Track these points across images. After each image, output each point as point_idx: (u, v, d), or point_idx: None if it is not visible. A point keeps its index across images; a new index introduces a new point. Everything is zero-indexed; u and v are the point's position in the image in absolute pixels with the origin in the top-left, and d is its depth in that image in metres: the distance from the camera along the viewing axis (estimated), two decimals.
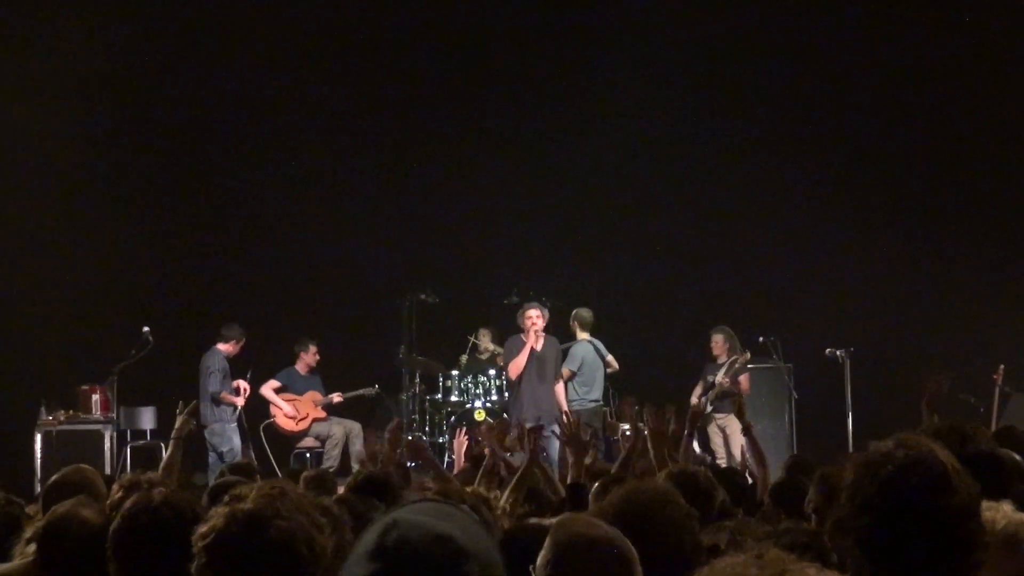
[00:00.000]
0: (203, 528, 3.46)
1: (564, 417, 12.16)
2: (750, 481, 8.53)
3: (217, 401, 14.84)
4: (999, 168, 17.02)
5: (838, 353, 15.17)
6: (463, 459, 10.09)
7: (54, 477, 6.19)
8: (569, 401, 14.49)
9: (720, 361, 15.40)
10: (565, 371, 14.73)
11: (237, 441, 14.88)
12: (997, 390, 14.38)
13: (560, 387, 14.40)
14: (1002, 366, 14.55)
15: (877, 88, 17.52)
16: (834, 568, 3.77)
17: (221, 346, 15.01)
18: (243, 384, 15.15)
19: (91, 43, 16.57)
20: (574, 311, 15.08)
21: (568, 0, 18.37)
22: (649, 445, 7.20)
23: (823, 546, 4.41)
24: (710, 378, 15.28)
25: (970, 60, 16.87)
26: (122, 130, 17.20)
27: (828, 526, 3.63)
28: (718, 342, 15.48)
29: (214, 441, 14.76)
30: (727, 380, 15.01)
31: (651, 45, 17.58)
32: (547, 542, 3.52)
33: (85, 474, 6.18)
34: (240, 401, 15.02)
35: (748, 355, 15.06)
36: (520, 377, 14.13)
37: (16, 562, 5.28)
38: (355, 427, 15.45)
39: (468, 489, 5.97)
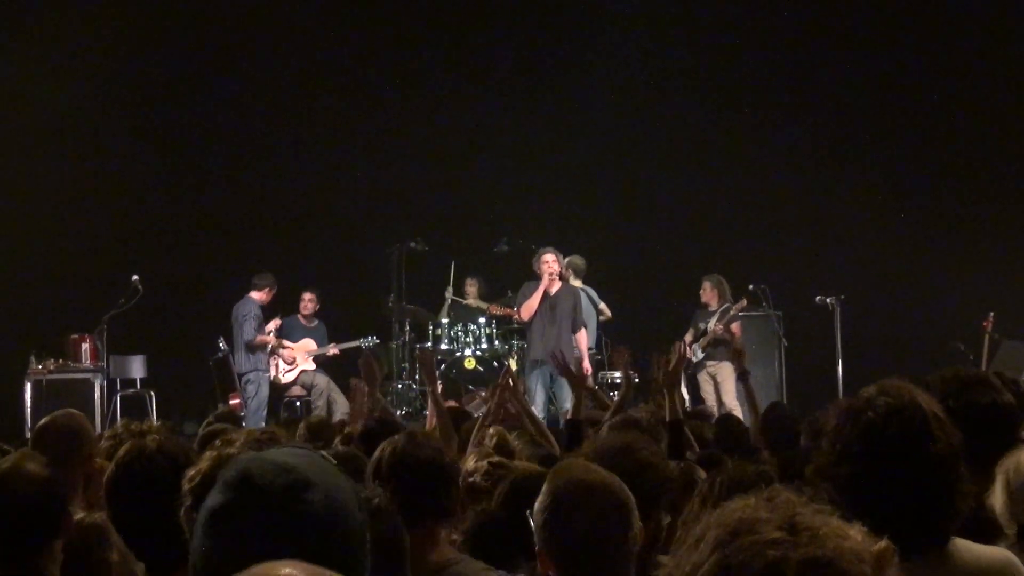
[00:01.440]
0: (191, 472, 3.52)
1: (577, 363, 12.48)
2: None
3: (252, 348, 15.07)
4: (987, 117, 17.00)
5: (828, 300, 15.18)
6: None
7: (43, 420, 6.19)
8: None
9: (710, 309, 15.48)
10: None
11: (266, 391, 15.10)
12: (987, 337, 14.46)
13: (583, 335, 14.46)
14: (992, 313, 14.66)
15: (865, 36, 17.52)
16: None
17: (254, 294, 15.26)
18: (276, 323, 15.51)
19: None
20: (567, 259, 15.06)
21: None
22: (664, 389, 7.22)
23: (770, 481, 4.47)
24: (701, 325, 15.36)
25: (953, 11, 16.88)
26: (113, 79, 17.14)
27: (809, 470, 3.49)
28: (706, 289, 15.55)
29: (248, 389, 14.99)
30: (720, 327, 15.07)
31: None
32: (544, 487, 3.57)
33: (75, 418, 6.17)
34: (273, 340, 15.28)
35: (745, 302, 15.12)
36: (532, 319, 14.17)
37: None
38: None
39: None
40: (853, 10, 17.42)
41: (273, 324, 15.60)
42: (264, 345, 15.21)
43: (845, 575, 1.90)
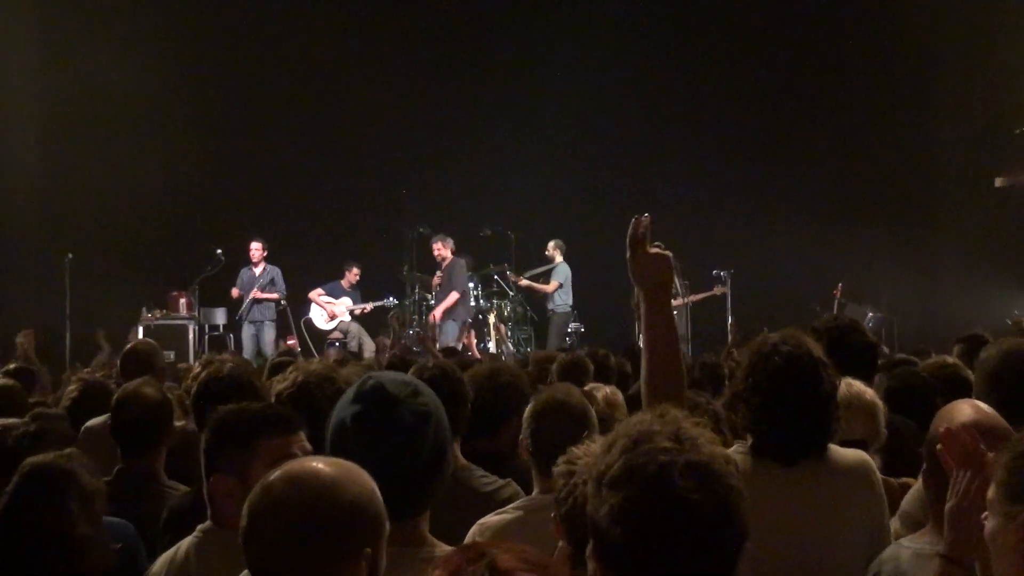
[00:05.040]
0: (285, 383, 3.77)
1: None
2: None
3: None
4: (834, 135, 16.78)
5: (722, 273, 15.34)
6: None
7: (128, 346, 6.25)
8: (557, 305, 15.56)
9: None
10: (554, 283, 15.52)
11: (242, 336, 14.98)
12: (836, 302, 14.60)
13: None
14: (840, 283, 14.78)
15: (747, 60, 17.13)
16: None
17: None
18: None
19: None
20: (556, 241, 15.62)
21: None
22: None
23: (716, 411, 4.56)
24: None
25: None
26: (202, 63, 16.80)
27: (726, 396, 3.57)
28: None
29: None
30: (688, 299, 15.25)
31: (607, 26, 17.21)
32: (531, 403, 3.69)
33: (149, 344, 6.34)
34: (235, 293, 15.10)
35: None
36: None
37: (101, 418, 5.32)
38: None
39: None
40: (762, 38, 17.03)
41: (318, 296, 15.56)
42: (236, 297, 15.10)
43: (716, 473, 1.96)
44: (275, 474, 2.13)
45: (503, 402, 4.10)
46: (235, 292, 15.07)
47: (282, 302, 15.15)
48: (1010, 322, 13.66)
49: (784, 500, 3.13)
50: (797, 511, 3.13)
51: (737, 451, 3.26)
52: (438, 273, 14.99)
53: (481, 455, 3.90)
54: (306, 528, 2.03)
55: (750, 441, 3.30)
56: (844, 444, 3.36)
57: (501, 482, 3.77)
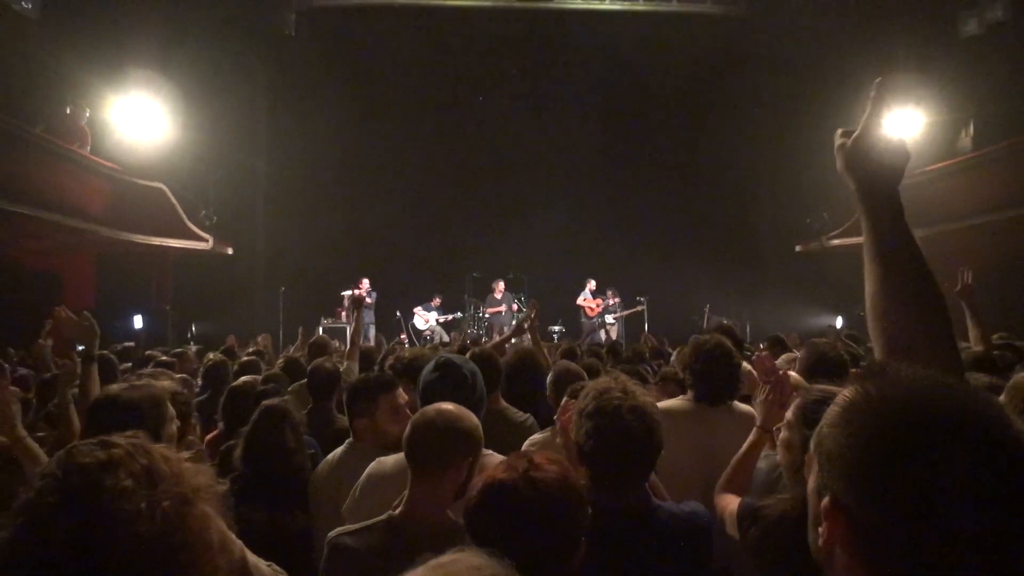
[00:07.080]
0: (390, 361, 3.68)
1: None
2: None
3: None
4: (712, 213, 16.08)
5: (640, 298, 15.03)
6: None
7: (311, 339, 6.47)
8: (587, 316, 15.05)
9: (610, 302, 15.10)
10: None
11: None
12: (706, 315, 14.19)
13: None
14: (708, 304, 14.34)
15: (663, 172, 16.29)
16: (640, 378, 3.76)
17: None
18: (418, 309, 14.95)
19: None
20: (591, 280, 15.08)
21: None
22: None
23: (642, 373, 4.33)
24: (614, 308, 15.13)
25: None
26: (358, 170, 15.84)
27: (680, 365, 3.42)
28: (610, 293, 15.24)
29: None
30: (624, 313, 15.14)
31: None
32: (551, 374, 3.46)
33: (324, 339, 6.45)
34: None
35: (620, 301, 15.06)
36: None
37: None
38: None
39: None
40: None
41: (418, 311, 15.10)
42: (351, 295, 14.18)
43: (647, 413, 1.92)
44: (430, 407, 2.07)
45: (533, 374, 3.84)
46: (355, 292, 14.31)
47: (397, 313, 14.77)
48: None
49: (709, 427, 3.02)
50: (716, 434, 2.98)
51: (684, 399, 3.17)
52: (493, 307, 14.79)
53: (519, 399, 3.74)
54: (442, 438, 1.99)
55: (691, 393, 3.16)
56: (741, 400, 3.21)
57: (524, 415, 3.62)
